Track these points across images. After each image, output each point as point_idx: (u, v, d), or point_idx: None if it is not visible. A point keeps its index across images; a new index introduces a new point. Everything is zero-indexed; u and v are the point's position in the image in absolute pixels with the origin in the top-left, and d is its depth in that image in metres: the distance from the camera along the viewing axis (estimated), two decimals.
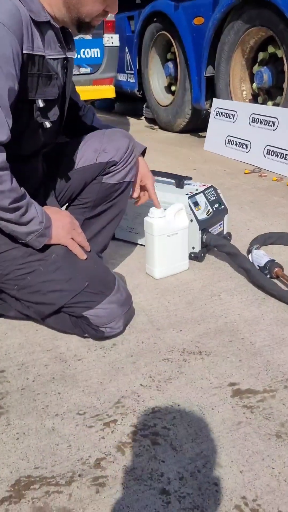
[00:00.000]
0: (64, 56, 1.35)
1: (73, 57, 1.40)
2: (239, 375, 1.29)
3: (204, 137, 4.12)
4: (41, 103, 1.27)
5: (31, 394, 1.24)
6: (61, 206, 1.64)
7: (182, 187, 2.00)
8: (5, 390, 1.26)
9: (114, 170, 1.60)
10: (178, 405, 1.18)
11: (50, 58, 1.28)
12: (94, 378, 1.29)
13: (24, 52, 1.17)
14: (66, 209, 1.68)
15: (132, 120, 5.68)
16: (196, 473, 1.00)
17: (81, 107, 1.68)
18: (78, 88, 1.69)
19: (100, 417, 1.16)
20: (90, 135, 1.62)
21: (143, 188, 1.73)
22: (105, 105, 6.50)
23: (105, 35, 3.86)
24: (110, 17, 3.80)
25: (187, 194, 1.93)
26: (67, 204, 1.69)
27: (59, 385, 1.27)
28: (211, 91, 4.03)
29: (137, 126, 5.29)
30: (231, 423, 1.12)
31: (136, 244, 2.11)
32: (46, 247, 1.34)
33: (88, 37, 3.88)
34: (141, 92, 5.31)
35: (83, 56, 3.90)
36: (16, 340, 1.47)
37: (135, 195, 1.72)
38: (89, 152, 1.58)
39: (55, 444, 1.08)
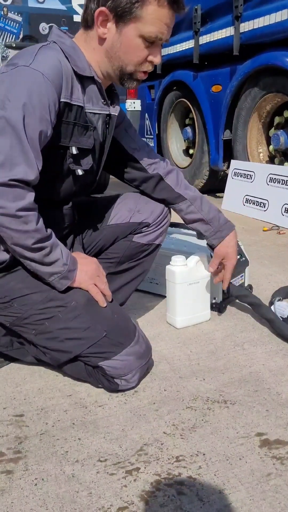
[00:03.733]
0: (107, 113, 1.39)
1: (115, 114, 1.41)
2: (267, 425, 1.23)
3: (221, 197, 4.20)
4: (74, 150, 1.31)
5: (51, 439, 1.20)
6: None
7: (203, 238, 2.01)
8: (23, 435, 1.22)
9: (146, 231, 1.62)
10: (204, 454, 1.13)
11: (90, 112, 1.33)
12: (116, 425, 1.25)
13: (62, 100, 1.23)
14: None
15: None
16: None
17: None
18: None
19: (122, 465, 1.10)
20: (127, 195, 1.66)
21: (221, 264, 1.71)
22: None
23: (127, 100, 4.09)
24: None
25: None
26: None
27: (79, 431, 1.23)
28: (228, 153, 4.17)
29: None
30: (260, 474, 1.06)
31: (158, 294, 2.10)
32: (68, 293, 1.34)
33: None
34: None
35: None
36: (36, 385, 1.44)
37: (211, 269, 1.71)
38: (124, 210, 1.61)
39: (75, 491, 1.03)
